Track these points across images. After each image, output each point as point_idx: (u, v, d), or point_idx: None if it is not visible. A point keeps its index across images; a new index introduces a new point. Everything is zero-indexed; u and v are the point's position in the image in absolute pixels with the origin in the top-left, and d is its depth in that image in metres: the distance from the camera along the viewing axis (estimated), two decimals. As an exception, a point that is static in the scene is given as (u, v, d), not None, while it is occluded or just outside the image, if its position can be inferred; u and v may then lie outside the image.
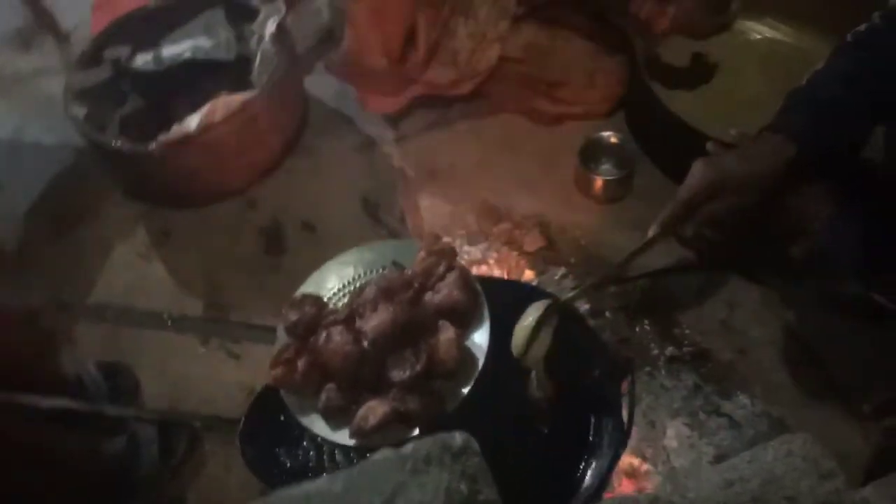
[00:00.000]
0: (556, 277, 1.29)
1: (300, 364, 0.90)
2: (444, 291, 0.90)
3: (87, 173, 1.65)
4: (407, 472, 0.48)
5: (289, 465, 1.01)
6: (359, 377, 0.89)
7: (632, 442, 1.06)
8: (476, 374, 0.87)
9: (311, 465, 1.02)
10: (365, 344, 0.88)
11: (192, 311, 1.42)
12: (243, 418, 1.00)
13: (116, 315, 1.43)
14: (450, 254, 0.95)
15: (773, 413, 1.13)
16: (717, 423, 1.14)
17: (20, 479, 0.99)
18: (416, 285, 0.92)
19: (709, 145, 1.08)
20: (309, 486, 0.48)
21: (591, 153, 1.39)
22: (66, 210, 1.61)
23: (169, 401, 1.33)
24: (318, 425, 0.90)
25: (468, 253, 1.37)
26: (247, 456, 0.97)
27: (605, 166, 1.40)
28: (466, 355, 0.88)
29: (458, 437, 0.49)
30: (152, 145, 1.38)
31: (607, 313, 1.24)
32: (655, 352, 1.22)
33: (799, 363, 1.19)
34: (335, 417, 0.89)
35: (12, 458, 0.98)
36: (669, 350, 1.22)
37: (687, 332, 1.24)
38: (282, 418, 0.97)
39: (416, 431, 0.85)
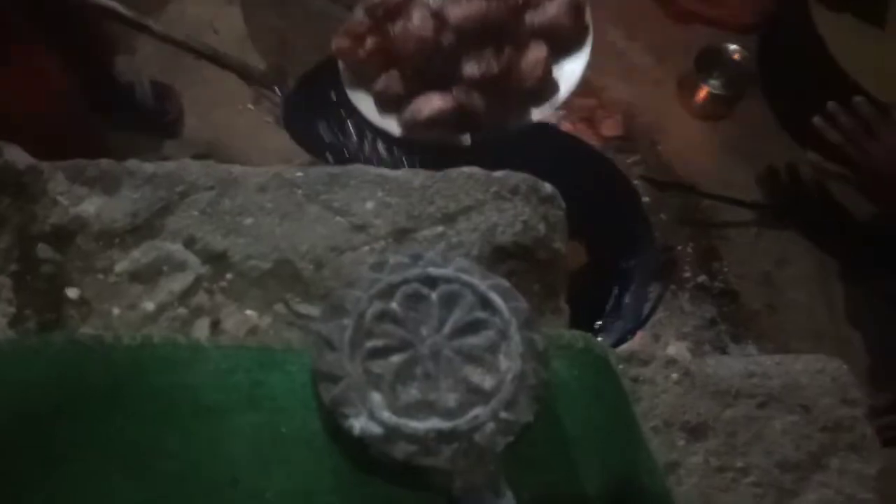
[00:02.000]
0: (628, 161, 1.24)
1: (369, 41, 0.82)
2: (551, 12, 0.80)
3: None
4: (490, 193, 0.46)
5: (326, 140, 0.94)
6: (428, 69, 0.80)
7: (630, 342, 1.05)
8: (555, 105, 0.81)
9: (349, 148, 0.95)
10: (446, 34, 0.79)
11: (256, 63, 1.38)
12: (296, 82, 0.96)
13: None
14: None
15: (776, 373, 1.12)
16: (718, 360, 1.13)
17: None
18: None
19: (856, 100, 0.97)
20: (387, 172, 0.46)
21: (708, 61, 1.30)
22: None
23: (206, 144, 1.32)
24: (368, 108, 0.83)
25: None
26: (288, 118, 0.94)
27: (716, 81, 1.31)
28: (550, 81, 0.80)
29: (549, 186, 0.46)
30: None
31: (662, 215, 1.20)
32: (688, 274, 1.19)
33: (822, 338, 1.16)
34: (389, 105, 0.82)
35: None
36: (702, 278, 1.19)
37: (726, 269, 1.20)
38: (333, 97, 0.90)
39: (470, 139, 0.79)
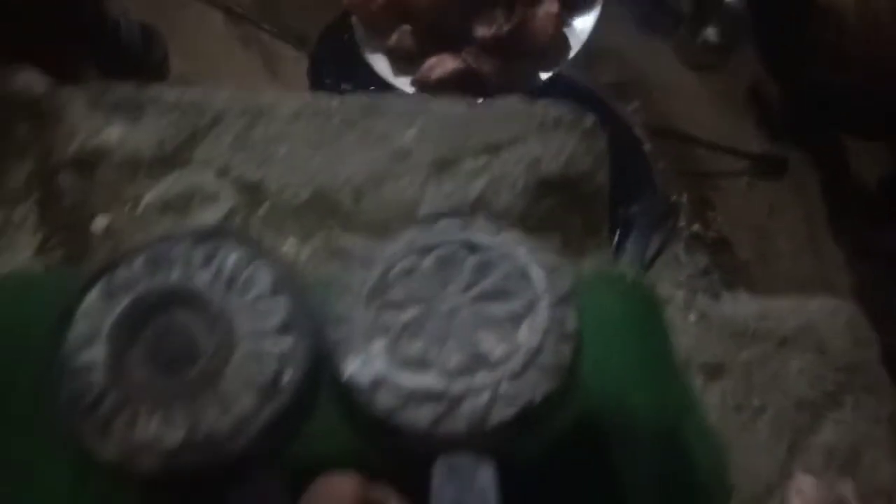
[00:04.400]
0: (630, 109, 1.22)
1: None
2: None
3: None
4: (534, 125, 0.44)
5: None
6: (440, 24, 0.81)
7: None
8: (565, 62, 0.80)
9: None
10: None
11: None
12: (313, 48, 0.96)
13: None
14: None
15: (766, 321, 1.14)
16: (711, 308, 1.14)
17: None
18: None
19: None
20: (427, 101, 0.44)
21: (702, 9, 1.28)
22: None
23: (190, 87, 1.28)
24: (381, 66, 0.83)
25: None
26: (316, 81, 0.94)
27: (711, 29, 1.29)
28: (561, 38, 0.81)
29: (591, 117, 0.45)
30: None
31: (660, 164, 1.19)
32: (682, 224, 1.19)
33: (811, 288, 1.18)
34: (403, 63, 0.82)
35: None
36: (696, 227, 1.19)
37: (719, 218, 1.21)
38: (351, 58, 0.90)
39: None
